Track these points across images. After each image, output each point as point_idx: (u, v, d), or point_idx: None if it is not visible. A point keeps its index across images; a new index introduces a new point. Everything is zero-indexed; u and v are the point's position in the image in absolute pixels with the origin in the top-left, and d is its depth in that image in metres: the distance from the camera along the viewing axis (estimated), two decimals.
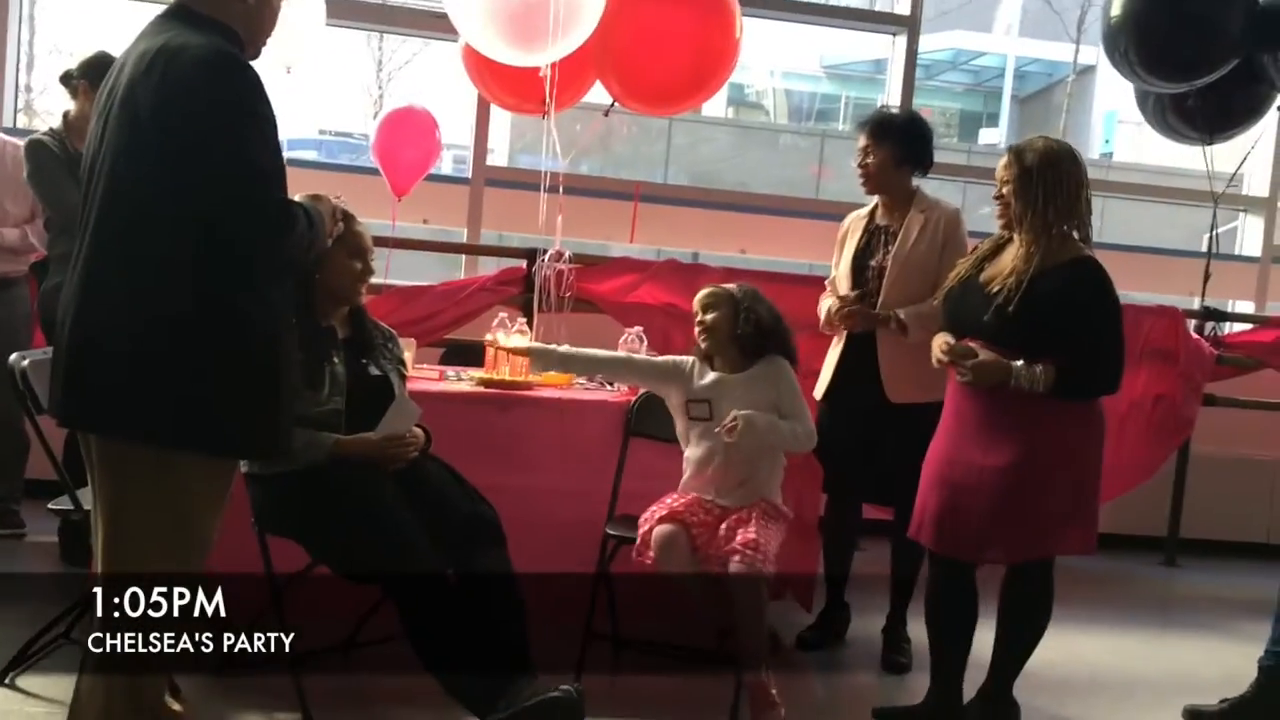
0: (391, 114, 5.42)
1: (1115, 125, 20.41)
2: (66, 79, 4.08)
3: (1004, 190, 3.08)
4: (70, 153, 4.00)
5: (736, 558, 3.06)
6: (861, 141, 3.76)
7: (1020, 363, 2.94)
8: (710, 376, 3.32)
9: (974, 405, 3.09)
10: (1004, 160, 3.10)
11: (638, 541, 3.22)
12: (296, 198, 2.42)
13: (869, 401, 3.64)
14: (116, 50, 4.00)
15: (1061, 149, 3.07)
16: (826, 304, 3.80)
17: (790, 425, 3.26)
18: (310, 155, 11.48)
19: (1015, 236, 3.10)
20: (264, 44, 2.42)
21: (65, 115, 4.10)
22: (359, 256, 3.04)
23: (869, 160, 3.72)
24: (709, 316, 3.31)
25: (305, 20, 4.63)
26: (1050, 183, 3.01)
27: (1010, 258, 3.08)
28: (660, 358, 3.43)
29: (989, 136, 22.17)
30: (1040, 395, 2.95)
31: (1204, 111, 5.31)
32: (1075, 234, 3.06)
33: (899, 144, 3.69)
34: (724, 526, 3.19)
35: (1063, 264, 3.01)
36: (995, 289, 3.02)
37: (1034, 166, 3.02)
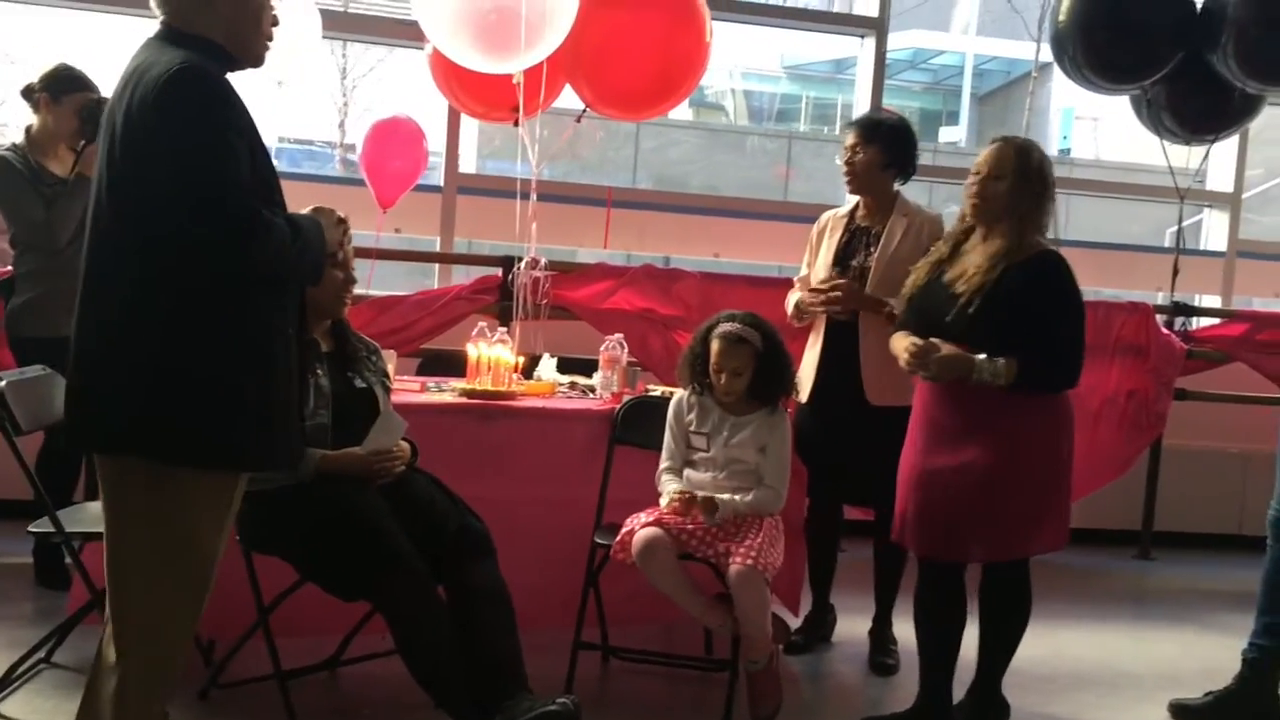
0: (378, 125, 5.38)
1: (1073, 122, 20.66)
2: (28, 93, 4.02)
3: (995, 183, 3.06)
4: (33, 167, 3.93)
5: (738, 560, 3.06)
6: (850, 139, 3.76)
7: (983, 356, 2.94)
8: (714, 412, 3.31)
9: (941, 406, 3.10)
10: (997, 152, 3.09)
11: (615, 542, 3.21)
12: (304, 211, 2.42)
13: (849, 404, 3.65)
14: (76, 62, 4.01)
15: (1045, 155, 3.14)
16: (795, 297, 3.81)
17: (757, 495, 3.24)
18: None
19: (979, 230, 3.12)
20: (260, 49, 2.37)
21: (28, 130, 4.03)
22: (341, 267, 3.01)
23: (856, 158, 3.72)
24: (737, 382, 3.26)
25: (300, 34, 4.58)
26: (1039, 188, 3.06)
27: (976, 255, 3.08)
28: (673, 429, 3.35)
29: (949, 135, 22.36)
30: (1003, 391, 2.95)
31: (1200, 112, 5.39)
32: (1035, 231, 3.09)
33: (887, 146, 3.70)
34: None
35: (1027, 259, 3.02)
36: (960, 288, 3.03)
37: (1033, 172, 3.05)
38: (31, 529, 3.06)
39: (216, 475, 2.29)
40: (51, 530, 2.93)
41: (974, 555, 3.12)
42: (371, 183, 5.24)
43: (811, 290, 3.74)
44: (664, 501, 3.25)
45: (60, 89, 3.95)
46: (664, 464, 3.35)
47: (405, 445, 3.04)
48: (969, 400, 3.01)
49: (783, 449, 3.33)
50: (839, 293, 3.63)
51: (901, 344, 3.11)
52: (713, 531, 3.15)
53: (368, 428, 2.96)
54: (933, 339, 3.02)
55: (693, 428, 3.32)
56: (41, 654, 3.12)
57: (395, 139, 5.29)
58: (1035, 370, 2.96)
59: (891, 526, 3.25)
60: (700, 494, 3.19)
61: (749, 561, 3.04)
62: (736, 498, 3.21)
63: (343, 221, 2.66)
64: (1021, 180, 3.05)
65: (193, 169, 2.14)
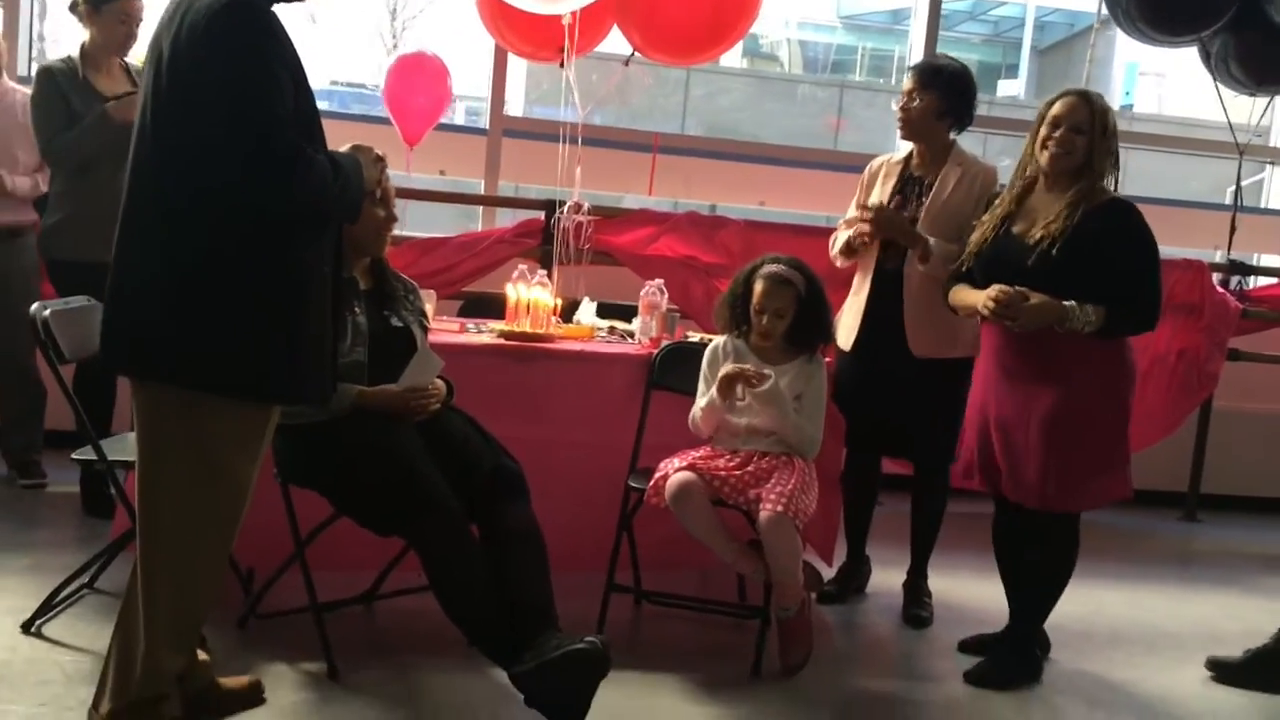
0: (401, 60, 5.38)
1: (1136, 77, 20.18)
2: (73, 7, 4.08)
3: (1071, 137, 3.10)
4: (81, 82, 3.99)
5: (768, 506, 3.05)
6: (907, 84, 3.67)
7: (1073, 303, 3.00)
8: (750, 360, 3.29)
9: (1012, 355, 3.16)
10: (1074, 106, 3.12)
11: (649, 485, 3.21)
12: (343, 149, 2.42)
13: (892, 355, 3.61)
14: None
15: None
16: (844, 235, 3.74)
17: (799, 422, 3.25)
18: (322, 105, 11.37)
19: (1045, 182, 3.16)
20: None
21: (82, 46, 4.09)
22: (382, 204, 3.01)
23: (913, 104, 3.62)
24: (779, 324, 3.27)
25: None
26: (1113, 141, 3.13)
27: (1049, 204, 3.12)
28: (708, 369, 3.35)
29: (1007, 88, 21.95)
30: (1082, 338, 3.02)
31: (1270, 63, 5.20)
32: (1102, 180, 3.15)
33: (945, 94, 3.61)
34: (750, 467, 3.18)
35: (1099, 206, 3.08)
36: (1038, 234, 3.08)
37: (1111, 126, 3.12)
38: (75, 456, 3.11)
39: (248, 406, 2.31)
40: (94, 458, 2.98)
41: (1038, 501, 3.15)
42: (396, 119, 5.24)
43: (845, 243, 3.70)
44: (703, 402, 3.27)
45: None
46: (698, 402, 3.35)
47: (441, 384, 3.05)
48: (1041, 348, 3.09)
49: (818, 398, 3.31)
50: (877, 224, 3.55)
51: (974, 295, 3.15)
52: (744, 478, 3.14)
53: (404, 366, 2.97)
54: (1020, 287, 3.04)
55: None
56: (84, 579, 3.20)
57: (418, 75, 5.28)
58: (1121, 315, 3.04)
59: (950, 473, 3.47)
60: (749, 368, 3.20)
61: (779, 508, 3.03)
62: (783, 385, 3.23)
63: (380, 159, 2.65)
64: (1101, 134, 3.11)
65: (239, 101, 2.15)
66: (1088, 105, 3.11)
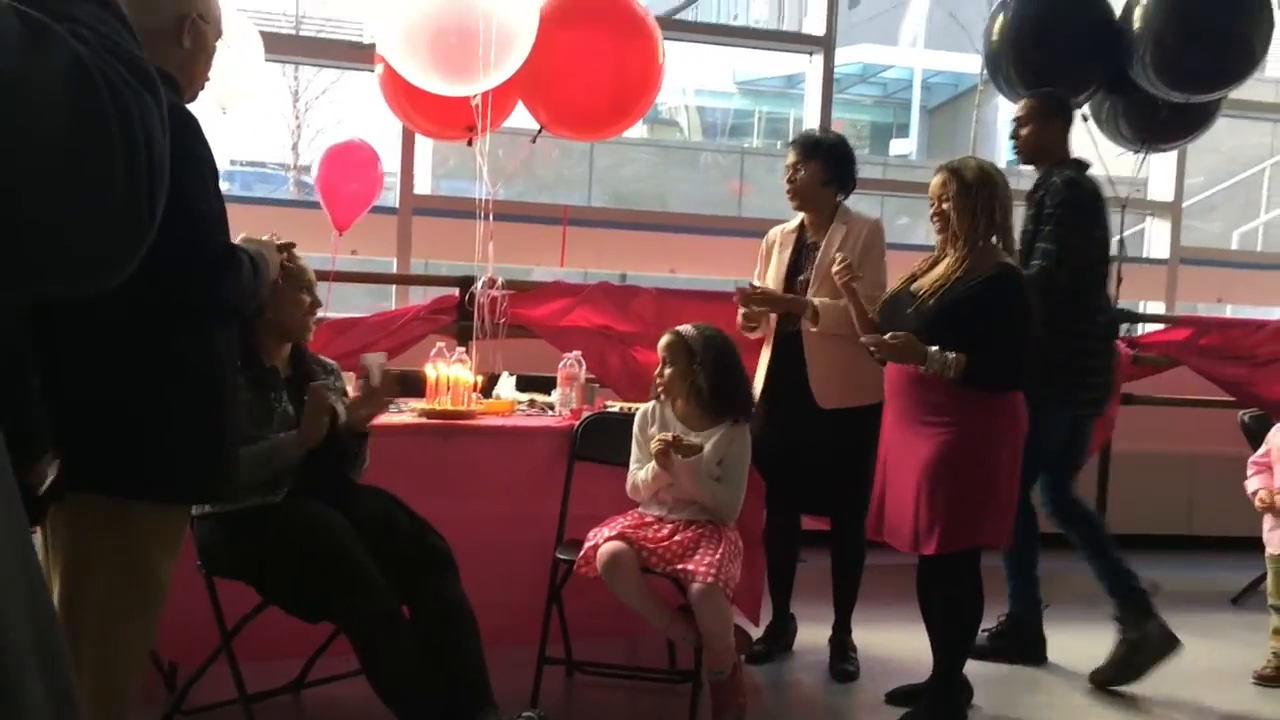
0: (334, 149, 5.42)
1: None
2: None
3: (943, 206, 3.31)
4: None
5: (699, 579, 3.09)
6: (791, 158, 3.87)
7: (935, 348, 3.15)
8: (674, 425, 3.36)
9: (900, 402, 3.31)
10: (940, 179, 3.33)
11: (580, 554, 3.24)
12: (237, 239, 2.42)
13: (800, 409, 3.73)
14: None
15: (993, 169, 3.35)
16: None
17: (716, 491, 3.31)
18: (225, 188, 11.28)
19: (949, 250, 3.33)
20: (201, 87, 2.41)
21: None
22: (306, 290, 3.03)
23: (798, 175, 3.82)
24: (667, 371, 3.37)
25: (243, 59, 4.60)
26: (987, 199, 3.27)
27: (940, 267, 3.31)
28: (638, 438, 3.42)
29: (899, 147, 22.61)
30: (952, 388, 3.16)
31: (1160, 121, 5.46)
32: (999, 243, 3.30)
33: (826, 163, 3.81)
34: (677, 537, 3.24)
35: (983, 273, 3.23)
36: (919, 294, 3.27)
37: (974, 184, 3.27)
38: None
39: (171, 507, 2.29)
40: None
41: (909, 545, 3.27)
42: (327, 206, 5.26)
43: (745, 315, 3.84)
44: (643, 474, 3.32)
45: None
46: (632, 466, 3.42)
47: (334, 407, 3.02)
48: (921, 398, 3.23)
49: (740, 463, 3.38)
50: (742, 298, 3.72)
51: (866, 337, 3.33)
52: (672, 547, 3.20)
53: (332, 447, 2.98)
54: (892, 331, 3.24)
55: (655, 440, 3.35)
56: None
57: (351, 162, 5.32)
58: (981, 368, 3.16)
59: (863, 527, 3.50)
60: (685, 439, 3.25)
61: (709, 579, 3.08)
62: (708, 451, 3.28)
63: (278, 247, 2.69)
64: (963, 198, 3.27)
65: (173, 202, 2.13)
66: (944, 177, 3.32)
